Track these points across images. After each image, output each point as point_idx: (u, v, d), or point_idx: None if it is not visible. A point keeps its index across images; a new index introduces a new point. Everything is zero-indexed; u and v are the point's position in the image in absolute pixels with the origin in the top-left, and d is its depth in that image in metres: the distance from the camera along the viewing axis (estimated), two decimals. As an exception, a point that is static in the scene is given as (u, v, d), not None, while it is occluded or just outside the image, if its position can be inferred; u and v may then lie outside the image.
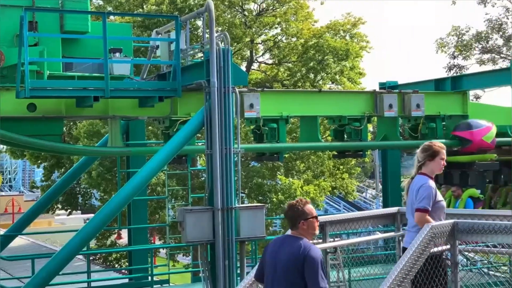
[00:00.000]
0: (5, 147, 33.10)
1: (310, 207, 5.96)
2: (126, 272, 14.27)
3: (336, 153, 16.13)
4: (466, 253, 8.87)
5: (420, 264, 5.68)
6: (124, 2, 30.19)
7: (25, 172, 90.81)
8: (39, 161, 32.10)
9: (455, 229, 6.01)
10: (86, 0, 12.89)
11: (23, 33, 10.70)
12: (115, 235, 32.88)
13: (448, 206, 14.48)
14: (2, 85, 11.63)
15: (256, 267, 6.28)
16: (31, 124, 11.63)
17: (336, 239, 8.25)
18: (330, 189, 31.05)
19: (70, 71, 12.47)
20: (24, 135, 11.60)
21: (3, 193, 67.00)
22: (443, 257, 6.42)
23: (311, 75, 30.98)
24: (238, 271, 11.53)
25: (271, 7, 31.47)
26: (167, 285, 14.40)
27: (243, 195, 25.92)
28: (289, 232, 6.01)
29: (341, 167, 31.34)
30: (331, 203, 48.96)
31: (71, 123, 29.64)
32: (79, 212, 39.66)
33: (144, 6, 29.65)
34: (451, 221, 6.09)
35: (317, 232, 6.02)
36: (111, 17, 27.31)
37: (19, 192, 72.99)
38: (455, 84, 16.02)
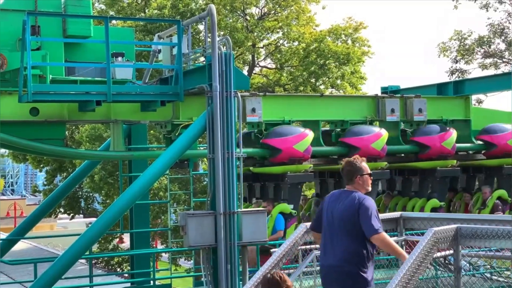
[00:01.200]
0: (7, 150, 33.13)
1: (365, 165, 6.58)
2: (128, 276, 14.24)
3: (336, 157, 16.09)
4: (469, 258, 8.86)
5: (424, 269, 5.68)
6: (126, 7, 30.25)
7: (27, 176, 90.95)
8: (42, 165, 32.13)
9: (458, 234, 6.00)
10: (88, 4, 12.91)
11: (26, 37, 10.71)
12: (117, 239, 32.88)
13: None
14: (4, 89, 11.64)
15: (314, 218, 6.86)
16: (33, 129, 11.63)
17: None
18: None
19: (73, 75, 12.47)
20: (26, 139, 11.61)
21: (5, 197, 67.07)
22: (446, 262, 6.42)
23: (313, 80, 31.00)
24: (240, 276, 11.52)
25: (272, 12, 31.52)
26: (169, 289, 14.39)
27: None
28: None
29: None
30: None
31: (74, 127, 29.67)
32: (81, 216, 39.70)
33: (146, 11, 29.70)
34: (454, 226, 6.08)
35: (369, 188, 6.60)
36: (113, 21, 27.41)
37: (21, 196, 73.10)
38: (458, 89, 16.03)
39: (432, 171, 15.08)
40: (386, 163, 14.39)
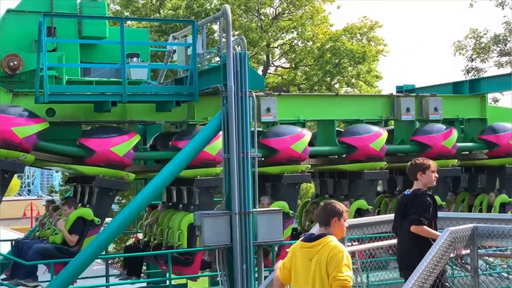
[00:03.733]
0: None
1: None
2: (144, 276, 14.28)
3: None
4: (486, 257, 8.81)
5: (440, 269, 5.65)
6: (141, 7, 30.36)
7: (43, 176, 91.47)
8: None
9: (474, 233, 5.96)
10: (103, 5, 12.97)
11: (42, 38, 10.77)
12: (133, 239, 32.95)
13: None
14: (21, 90, 11.72)
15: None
16: (49, 129, 11.70)
17: (354, 243, 8.21)
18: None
19: (88, 76, 12.54)
20: (44, 140, 11.67)
21: (21, 197, 67.46)
22: (463, 261, 6.39)
23: (328, 79, 30.95)
24: (256, 275, 11.52)
25: (287, 11, 31.50)
26: (185, 289, 14.41)
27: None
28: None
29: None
30: (348, 207, 48.70)
31: (89, 128, 29.77)
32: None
33: (161, 11, 29.78)
34: (471, 225, 6.04)
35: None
36: (128, 22, 27.51)
37: (38, 196, 73.44)
38: (473, 87, 15.92)
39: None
40: (385, 163, 14.17)
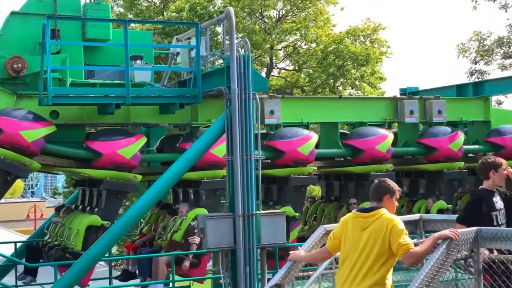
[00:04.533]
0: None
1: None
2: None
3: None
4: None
5: (444, 272, 5.64)
6: (145, 10, 30.42)
7: (47, 178, 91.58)
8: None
9: (478, 236, 5.95)
10: (107, 8, 13.00)
11: (46, 41, 10.80)
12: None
13: None
14: (25, 92, 11.74)
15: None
16: (54, 131, 11.70)
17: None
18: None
19: (92, 78, 12.56)
20: (51, 143, 11.69)
21: (25, 199, 67.58)
22: (466, 264, 6.37)
23: (331, 81, 30.96)
24: (259, 278, 11.52)
25: (290, 14, 31.52)
26: (188, 291, 14.41)
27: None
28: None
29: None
30: (352, 209, 48.71)
31: (93, 130, 29.81)
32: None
33: (165, 13, 29.82)
34: (475, 228, 6.03)
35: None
36: (132, 24, 27.54)
37: (41, 198, 73.59)
38: (477, 90, 15.91)
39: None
40: (391, 165, 14.18)
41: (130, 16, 29.89)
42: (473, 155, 15.68)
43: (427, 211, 14.20)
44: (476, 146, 15.38)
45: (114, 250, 26.59)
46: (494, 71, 33.38)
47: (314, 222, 14.88)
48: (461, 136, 14.64)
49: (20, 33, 11.96)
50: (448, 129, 14.70)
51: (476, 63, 33.41)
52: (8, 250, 14.58)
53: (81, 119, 12.15)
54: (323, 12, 31.70)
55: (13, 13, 12.03)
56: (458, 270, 8.61)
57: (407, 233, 5.74)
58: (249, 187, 11.36)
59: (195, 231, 12.06)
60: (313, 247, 7.04)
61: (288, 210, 12.95)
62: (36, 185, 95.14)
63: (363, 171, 14.04)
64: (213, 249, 11.48)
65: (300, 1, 30.56)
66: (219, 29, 27.72)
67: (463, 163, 14.41)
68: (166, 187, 11.78)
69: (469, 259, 6.22)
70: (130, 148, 11.82)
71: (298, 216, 13.29)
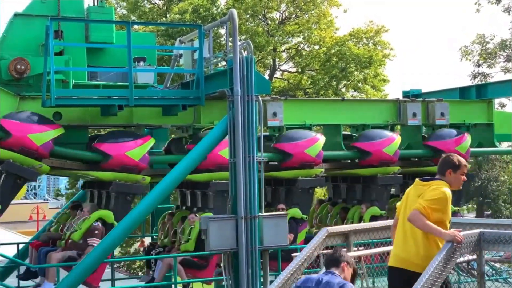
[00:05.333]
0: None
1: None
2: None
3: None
4: (492, 263, 8.80)
5: (446, 275, 5.63)
6: (148, 12, 30.45)
7: (49, 179, 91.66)
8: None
9: (481, 239, 5.94)
10: (110, 12, 13.03)
11: (49, 42, 10.81)
12: (139, 243, 32.93)
13: None
14: (28, 94, 11.76)
15: None
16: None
17: (360, 248, 8.20)
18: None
19: (95, 80, 12.57)
20: (59, 146, 11.70)
21: (28, 201, 67.61)
22: (469, 267, 6.37)
23: (334, 83, 30.95)
24: (261, 280, 11.51)
25: (293, 16, 31.53)
26: (190, 293, 14.40)
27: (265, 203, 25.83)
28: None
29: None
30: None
31: (96, 131, 29.85)
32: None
33: (168, 15, 29.85)
34: (477, 230, 6.02)
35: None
36: (135, 26, 27.58)
37: (44, 200, 73.66)
38: (480, 93, 15.90)
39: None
40: (398, 167, 14.15)
41: (133, 18, 29.92)
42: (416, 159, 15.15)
43: (360, 218, 13.96)
44: (414, 150, 14.87)
45: (117, 251, 26.62)
46: (497, 74, 33.42)
47: (319, 224, 14.82)
48: (467, 139, 14.58)
49: (23, 35, 11.97)
50: (454, 131, 14.66)
51: (479, 66, 33.44)
52: (11, 251, 14.58)
53: (84, 121, 12.16)
54: (326, 14, 31.69)
55: (16, 15, 12.05)
56: (460, 272, 8.61)
57: (439, 204, 6.07)
58: (252, 189, 11.36)
59: (96, 232, 11.82)
60: (315, 250, 7.05)
61: (296, 211, 13.02)
62: (39, 186, 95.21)
63: (370, 173, 14.03)
64: (215, 251, 11.47)
65: (303, 3, 30.56)
66: (222, 31, 27.73)
67: (398, 167, 13.99)
68: (169, 188, 11.78)
69: (472, 262, 6.21)
70: (138, 150, 11.86)
71: (306, 217, 13.33)
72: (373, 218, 13.44)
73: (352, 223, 13.67)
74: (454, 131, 14.65)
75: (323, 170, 13.59)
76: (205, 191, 12.75)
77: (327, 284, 5.52)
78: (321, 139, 13.33)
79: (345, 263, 5.78)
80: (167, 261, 12.52)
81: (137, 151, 11.85)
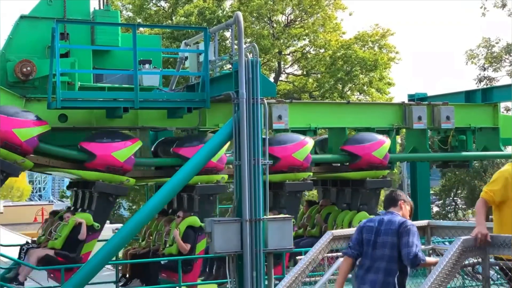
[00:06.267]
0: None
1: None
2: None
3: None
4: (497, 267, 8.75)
5: (451, 279, 5.62)
6: (154, 14, 30.49)
7: (54, 181, 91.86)
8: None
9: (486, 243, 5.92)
10: (116, 15, 13.07)
11: (55, 44, 10.84)
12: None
13: None
14: (33, 96, 11.79)
15: None
16: (61, 135, 11.74)
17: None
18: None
19: (101, 82, 12.60)
20: (55, 145, 11.72)
21: (33, 202, 67.76)
22: (474, 271, 6.35)
23: (339, 86, 30.94)
24: (266, 283, 11.50)
25: (299, 19, 31.53)
26: (195, 296, 14.39)
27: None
28: None
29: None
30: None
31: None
32: (107, 222, 39.93)
33: (173, 18, 29.88)
34: (483, 234, 6.00)
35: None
36: (141, 28, 27.63)
37: (49, 202, 73.78)
38: (486, 96, 15.89)
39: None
40: (387, 171, 14.05)
41: (139, 20, 29.96)
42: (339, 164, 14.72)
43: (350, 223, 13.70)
44: (329, 155, 14.24)
45: (120, 253, 26.62)
46: (502, 78, 33.34)
47: (307, 224, 14.73)
48: (386, 144, 13.83)
49: (29, 37, 12.01)
50: (374, 136, 13.95)
51: (484, 69, 33.37)
52: (16, 253, 14.59)
53: (89, 123, 12.18)
54: (332, 17, 31.69)
55: (22, 17, 12.08)
56: (465, 277, 8.58)
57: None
58: (257, 191, 11.35)
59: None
60: (320, 253, 7.03)
61: (194, 220, 12.54)
62: (44, 188, 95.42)
63: (359, 177, 13.91)
64: (220, 254, 11.47)
65: (308, 7, 30.56)
66: (227, 33, 27.73)
67: (311, 173, 13.56)
68: (173, 191, 11.77)
69: (477, 266, 6.20)
70: (124, 151, 11.80)
71: (294, 221, 13.03)
72: (191, 229, 12.61)
73: (341, 228, 13.47)
74: (374, 135, 13.98)
75: (312, 174, 13.42)
76: (191, 194, 12.63)
77: (389, 222, 6.14)
78: (310, 143, 13.18)
79: (402, 201, 6.38)
80: (36, 255, 12.02)
81: (123, 152, 11.78)
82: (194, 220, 12.38)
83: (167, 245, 12.60)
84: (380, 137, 13.85)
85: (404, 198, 6.42)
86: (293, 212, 13.22)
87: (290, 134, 13.31)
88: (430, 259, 6.32)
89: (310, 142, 13.24)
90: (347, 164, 14.13)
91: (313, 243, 12.71)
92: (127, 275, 13.29)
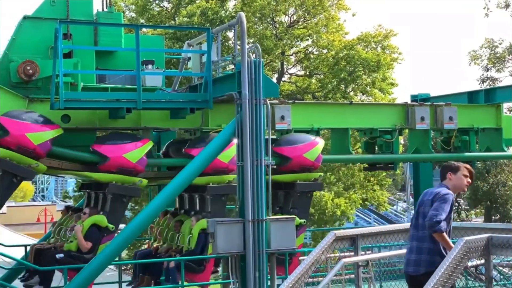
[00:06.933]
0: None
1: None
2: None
3: (367, 165, 16.04)
4: (500, 267, 8.75)
5: (454, 280, 5.61)
6: (156, 15, 30.50)
7: (57, 182, 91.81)
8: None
9: (489, 243, 5.92)
10: (119, 17, 13.08)
11: (58, 45, 10.85)
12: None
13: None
14: (36, 96, 11.80)
15: None
16: (64, 135, 11.76)
17: (367, 252, 8.18)
18: (360, 201, 30.88)
19: (103, 83, 12.61)
20: (57, 146, 11.73)
21: (35, 203, 67.81)
22: (477, 272, 6.34)
23: (342, 87, 30.92)
24: (269, 283, 11.50)
25: (302, 19, 31.51)
26: (197, 296, 14.40)
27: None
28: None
29: (372, 178, 31.18)
30: (362, 216, 48.73)
31: (104, 134, 29.87)
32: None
33: (176, 18, 29.88)
34: (486, 235, 6.00)
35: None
36: (144, 29, 27.63)
37: (52, 202, 73.83)
38: (489, 97, 15.87)
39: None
40: (320, 173, 13.63)
41: (141, 21, 29.97)
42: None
43: (190, 230, 12.76)
44: (168, 160, 13.28)
45: (124, 254, 26.65)
46: (505, 79, 33.33)
47: (160, 237, 13.63)
48: (318, 145, 13.10)
49: (32, 37, 12.01)
50: (307, 136, 13.31)
51: (487, 70, 33.37)
52: (19, 253, 14.61)
53: (92, 124, 12.19)
54: (335, 18, 31.67)
55: (25, 17, 12.09)
56: (468, 278, 8.58)
57: None
58: (259, 192, 11.36)
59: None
60: (323, 253, 7.04)
61: (101, 219, 11.97)
62: (47, 188, 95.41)
63: (290, 180, 13.09)
64: (222, 254, 11.47)
65: (311, 7, 30.55)
66: (230, 34, 27.74)
67: (321, 173, 13.33)
68: (176, 192, 11.80)
69: (480, 266, 6.19)
70: (136, 152, 11.80)
71: (304, 221, 13.00)
72: (203, 232, 12.27)
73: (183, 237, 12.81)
74: (307, 136, 13.30)
75: (322, 174, 13.06)
76: (203, 194, 12.60)
77: (430, 194, 6.74)
78: (321, 143, 13.05)
79: (449, 172, 6.84)
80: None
81: (135, 153, 11.79)
82: (101, 219, 11.93)
83: (69, 241, 12.18)
84: (312, 138, 13.26)
85: (451, 168, 6.84)
86: (304, 212, 13.14)
87: (300, 134, 13.20)
88: (447, 238, 6.49)
89: (321, 142, 13.16)
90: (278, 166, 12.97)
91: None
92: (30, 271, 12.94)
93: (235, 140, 11.74)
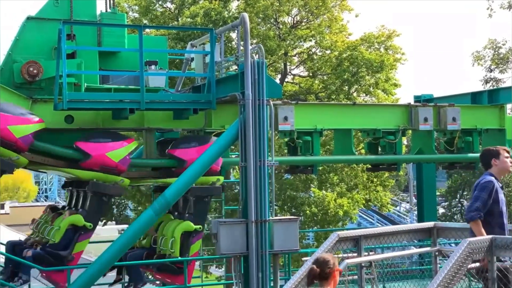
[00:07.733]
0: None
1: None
2: (159, 283, 14.30)
3: (370, 166, 16.04)
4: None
5: (458, 281, 5.61)
6: (160, 15, 30.52)
7: (60, 182, 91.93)
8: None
9: (493, 244, 5.92)
10: (123, 18, 13.09)
11: (61, 45, 10.86)
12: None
13: None
14: (40, 97, 11.81)
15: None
16: (68, 136, 11.77)
17: (371, 253, 8.18)
18: (363, 202, 30.85)
19: (107, 83, 12.63)
20: (61, 146, 11.75)
21: (39, 203, 67.91)
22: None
23: (345, 88, 30.91)
24: (272, 284, 11.51)
25: (305, 20, 31.51)
26: (200, 297, 14.42)
27: (276, 207, 25.85)
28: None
29: (375, 179, 31.15)
30: (365, 216, 48.69)
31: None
32: (113, 222, 39.99)
33: (179, 19, 29.90)
34: (489, 236, 6.00)
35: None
36: (147, 30, 27.65)
37: (55, 202, 73.86)
38: (492, 98, 15.84)
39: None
40: (219, 177, 12.67)
41: (145, 21, 29.98)
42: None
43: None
44: (151, 160, 12.68)
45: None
46: (509, 79, 33.26)
47: (36, 230, 13.07)
48: (127, 146, 12.08)
49: (36, 38, 12.04)
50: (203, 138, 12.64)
51: (491, 71, 33.31)
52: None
53: (95, 124, 12.20)
54: (338, 19, 31.65)
55: (29, 18, 12.12)
56: (471, 279, 8.55)
57: None
58: (262, 193, 11.36)
59: None
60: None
61: (78, 219, 11.80)
62: (50, 189, 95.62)
63: (87, 177, 12.02)
64: (225, 255, 11.48)
65: (315, 8, 30.54)
66: (233, 35, 27.73)
67: (222, 177, 12.73)
68: (180, 192, 11.78)
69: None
70: (119, 151, 11.68)
71: (200, 228, 12.29)
72: (73, 227, 11.88)
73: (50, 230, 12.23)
74: (117, 135, 12.27)
75: (222, 178, 12.71)
76: (186, 195, 12.13)
77: (476, 184, 7.14)
78: (129, 145, 12.03)
79: (493, 159, 7.23)
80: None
81: (118, 152, 11.66)
82: (78, 219, 11.77)
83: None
84: (122, 138, 12.18)
85: (494, 154, 7.24)
86: (200, 218, 12.46)
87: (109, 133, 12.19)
88: (478, 227, 6.81)
89: (130, 144, 12.07)
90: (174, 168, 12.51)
91: (142, 254, 12.47)
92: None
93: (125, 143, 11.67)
